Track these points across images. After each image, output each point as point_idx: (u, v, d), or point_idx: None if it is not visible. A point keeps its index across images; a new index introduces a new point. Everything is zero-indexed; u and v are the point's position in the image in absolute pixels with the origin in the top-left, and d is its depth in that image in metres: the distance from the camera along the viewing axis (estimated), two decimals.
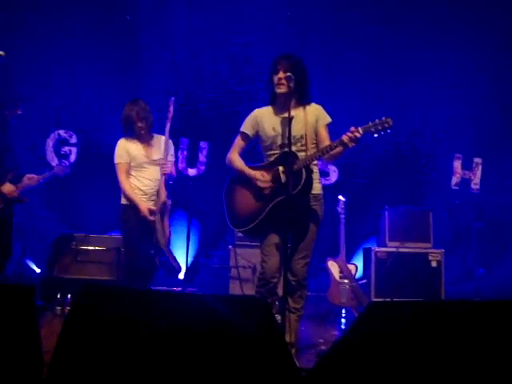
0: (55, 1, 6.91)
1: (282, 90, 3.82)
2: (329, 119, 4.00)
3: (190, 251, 6.19)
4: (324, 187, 4.09)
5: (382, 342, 2.22)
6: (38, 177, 5.09)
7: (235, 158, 4.05)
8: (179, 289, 6.44)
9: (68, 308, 5.47)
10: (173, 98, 4.86)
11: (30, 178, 5.02)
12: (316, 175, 3.92)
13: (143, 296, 2.37)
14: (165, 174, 4.75)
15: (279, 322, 3.93)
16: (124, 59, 7.00)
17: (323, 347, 4.59)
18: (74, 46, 6.92)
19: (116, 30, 7.06)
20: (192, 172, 7.05)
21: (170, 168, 4.76)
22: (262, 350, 2.06)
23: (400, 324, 2.25)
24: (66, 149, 7.05)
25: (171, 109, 4.81)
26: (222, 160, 4.19)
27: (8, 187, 4.84)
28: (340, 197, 6.02)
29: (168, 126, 4.79)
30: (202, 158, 7.10)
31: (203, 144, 7.11)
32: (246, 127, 4.06)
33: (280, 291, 3.91)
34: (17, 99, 4.90)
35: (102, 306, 2.30)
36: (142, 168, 4.85)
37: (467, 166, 7.25)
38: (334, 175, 7.10)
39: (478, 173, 7.23)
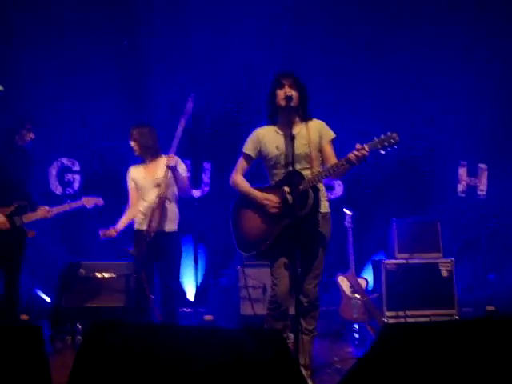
0: (54, 24, 6.89)
1: (289, 104, 3.77)
2: (332, 134, 3.97)
3: (198, 272, 6.16)
4: (330, 201, 4.05)
5: (398, 366, 2.18)
6: (53, 209, 5.03)
7: (239, 180, 4.02)
8: (189, 310, 6.40)
9: (79, 337, 5.44)
10: (193, 95, 4.78)
11: (42, 210, 4.96)
12: (322, 193, 3.89)
13: (154, 330, 2.33)
14: (168, 167, 4.69)
15: (292, 340, 3.90)
16: (128, 84, 6.97)
17: (338, 366, 4.55)
18: (74, 72, 6.90)
19: (121, 54, 7.03)
20: (196, 193, 7.02)
21: (175, 161, 4.70)
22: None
23: (416, 346, 2.21)
24: (70, 176, 7.03)
25: (189, 105, 4.74)
26: (226, 180, 4.16)
27: None
28: (346, 210, 5.98)
29: (182, 121, 4.73)
30: (205, 178, 7.08)
31: (206, 165, 7.09)
32: (248, 148, 4.02)
33: (292, 312, 3.86)
34: (25, 123, 4.89)
35: (112, 340, 2.27)
36: (144, 191, 4.89)
37: (472, 172, 7.20)
38: (339, 189, 7.07)
39: (484, 179, 7.18)
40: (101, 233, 4.84)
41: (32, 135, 4.92)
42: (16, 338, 2.16)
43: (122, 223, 4.97)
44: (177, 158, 4.79)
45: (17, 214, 4.83)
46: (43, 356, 2.16)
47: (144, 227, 4.79)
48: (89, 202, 5.17)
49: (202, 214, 6.40)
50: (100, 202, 5.22)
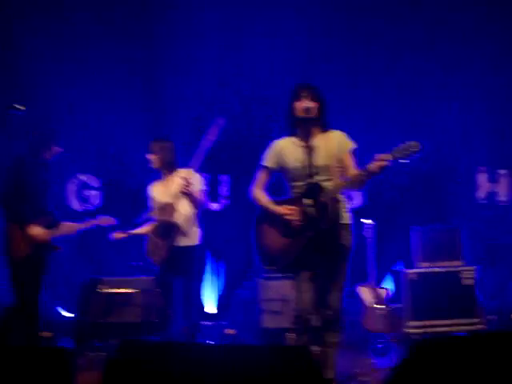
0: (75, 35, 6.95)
1: (306, 115, 3.78)
2: (352, 145, 3.94)
3: (218, 285, 6.16)
4: (350, 212, 4.01)
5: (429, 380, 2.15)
6: (76, 225, 5.00)
7: (259, 194, 4.00)
8: (210, 323, 6.38)
9: (101, 353, 5.43)
10: (221, 120, 4.71)
11: (66, 226, 4.92)
12: (343, 204, 3.86)
13: (180, 348, 2.32)
14: (183, 193, 4.67)
15: (317, 353, 3.86)
16: (147, 97, 7.01)
17: (363, 378, 4.49)
18: (91, 87, 6.92)
19: (141, 67, 7.08)
20: (215, 207, 7.03)
21: (190, 190, 4.67)
22: None
23: (446, 362, 2.17)
24: (88, 192, 7.07)
25: (214, 130, 4.69)
26: (245, 192, 4.14)
27: (37, 229, 4.64)
28: (366, 220, 5.94)
29: (204, 145, 4.68)
30: (223, 191, 7.09)
31: (224, 178, 7.10)
32: (268, 160, 4.00)
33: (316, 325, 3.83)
34: (54, 137, 4.89)
35: (138, 359, 2.25)
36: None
37: (492, 178, 7.13)
38: (358, 199, 7.03)
39: (504, 184, 7.11)
40: (114, 234, 4.91)
41: (59, 149, 4.92)
42: (43, 360, 2.15)
43: (138, 230, 4.99)
44: (192, 182, 4.73)
45: (47, 228, 4.79)
46: (71, 379, 2.15)
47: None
48: (104, 221, 5.19)
49: (221, 227, 6.40)
50: (112, 221, 5.22)
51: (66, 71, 6.82)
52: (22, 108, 4.29)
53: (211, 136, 4.68)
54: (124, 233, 4.95)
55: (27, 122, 4.75)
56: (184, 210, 4.79)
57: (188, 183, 4.62)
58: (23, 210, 4.65)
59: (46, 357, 2.15)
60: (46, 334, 5.48)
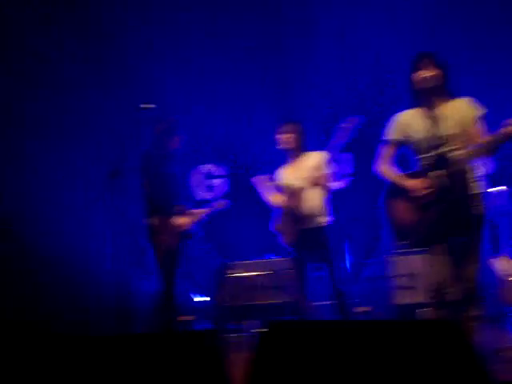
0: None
1: (427, 85, 3.68)
2: (480, 111, 3.74)
3: (346, 263, 6.15)
4: (481, 180, 3.85)
5: None
6: (201, 211, 5.19)
7: (387, 169, 3.93)
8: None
9: (240, 335, 5.61)
10: (357, 118, 4.74)
11: (193, 213, 5.10)
12: (474, 173, 3.72)
13: (330, 327, 2.33)
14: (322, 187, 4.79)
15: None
16: (275, 83, 7.12)
17: (504, 354, 4.32)
18: (214, 74, 7.10)
19: (266, 58, 7.21)
20: (338, 185, 7.00)
21: (317, 180, 4.76)
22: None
23: None
24: (213, 181, 7.31)
25: (345, 125, 4.71)
26: (368, 169, 4.10)
27: (181, 219, 4.86)
28: (497, 188, 5.67)
29: (335, 140, 4.73)
30: (346, 169, 7.07)
31: (346, 156, 7.07)
32: (393, 134, 3.92)
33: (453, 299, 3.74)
34: (174, 128, 5.07)
35: (289, 341, 2.28)
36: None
37: None
38: (489, 166, 6.70)
39: None
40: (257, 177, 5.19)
41: (185, 136, 5.10)
42: (197, 343, 2.25)
43: (274, 196, 5.12)
44: (321, 167, 4.82)
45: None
46: (223, 360, 2.24)
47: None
48: (220, 205, 5.37)
49: (346, 205, 6.37)
50: (226, 205, 5.37)
51: (189, 61, 7.04)
52: (151, 106, 4.47)
53: (344, 134, 4.68)
54: (267, 178, 5.10)
55: (154, 116, 4.94)
56: (313, 195, 4.85)
57: (317, 176, 4.72)
58: (166, 202, 4.88)
59: (200, 339, 2.26)
60: (187, 317, 5.74)
